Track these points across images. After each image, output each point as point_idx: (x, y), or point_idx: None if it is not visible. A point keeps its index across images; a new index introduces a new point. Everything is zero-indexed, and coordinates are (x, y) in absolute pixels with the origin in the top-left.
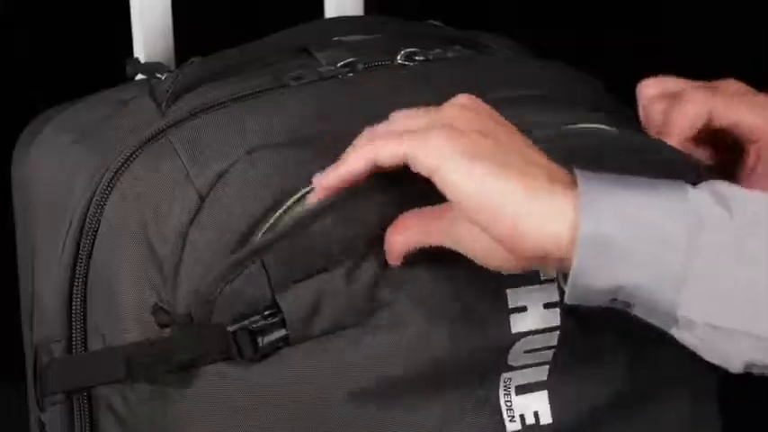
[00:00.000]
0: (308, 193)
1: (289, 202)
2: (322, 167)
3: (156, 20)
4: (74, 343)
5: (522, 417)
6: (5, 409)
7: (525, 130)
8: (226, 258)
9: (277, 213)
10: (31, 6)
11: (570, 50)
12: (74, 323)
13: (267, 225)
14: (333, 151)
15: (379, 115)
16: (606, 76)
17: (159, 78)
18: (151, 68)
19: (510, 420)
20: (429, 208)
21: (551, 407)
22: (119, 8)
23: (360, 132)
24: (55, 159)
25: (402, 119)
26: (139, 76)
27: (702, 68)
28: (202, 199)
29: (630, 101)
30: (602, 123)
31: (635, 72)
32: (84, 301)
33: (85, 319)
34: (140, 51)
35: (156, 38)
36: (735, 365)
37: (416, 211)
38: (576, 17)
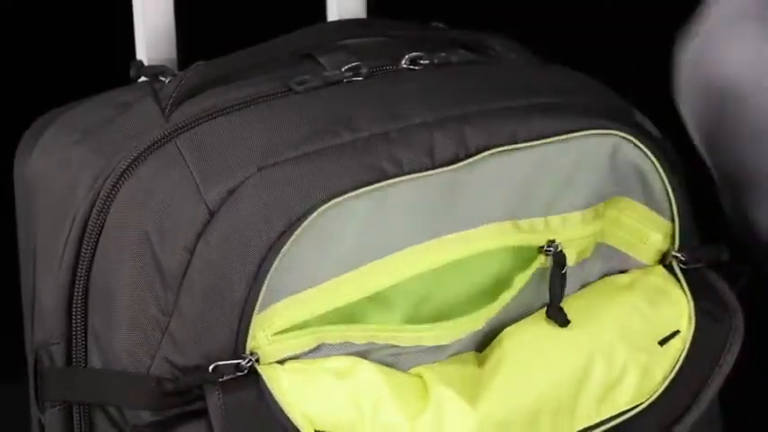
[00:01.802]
0: (319, 217)
1: (300, 229)
2: (331, 184)
3: (159, 22)
4: (74, 346)
5: None
6: (5, 409)
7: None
8: (240, 282)
9: (290, 240)
10: (34, 8)
11: (571, 51)
12: (74, 326)
13: (281, 254)
14: (341, 165)
15: (386, 123)
16: (607, 76)
17: (163, 81)
18: (155, 71)
19: None
20: None
21: None
22: (121, 10)
23: (369, 141)
24: (57, 160)
25: None
26: (142, 79)
27: None
28: (212, 214)
29: (635, 102)
30: (618, 132)
31: (636, 73)
32: (85, 304)
33: (86, 322)
34: (143, 54)
35: (158, 40)
36: None
37: None
38: (577, 18)
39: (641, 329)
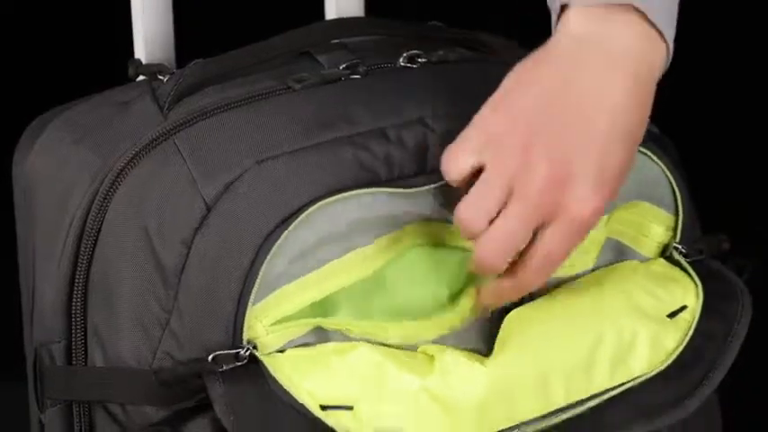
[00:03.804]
0: (314, 211)
1: (296, 222)
2: (328, 179)
3: (157, 21)
4: (73, 345)
5: None
6: (5, 409)
7: None
8: (236, 273)
9: (285, 233)
10: (33, 7)
11: None
12: (74, 325)
13: (277, 245)
14: (338, 160)
15: (383, 119)
16: None
17: (161, 80)
18: (153, 70)
19: None
20: None
21: None
22: (120, 9)
23: (367, 137)
24: (56, 160)
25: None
26: (141, 78)
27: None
28: (209, 209)
29: None
30: None
31: None
32: (85, 302)
33: (86, 320)
34: (141, 52)
35: (156, 39)
36: None
37: None
38: None
39: (649, 303)
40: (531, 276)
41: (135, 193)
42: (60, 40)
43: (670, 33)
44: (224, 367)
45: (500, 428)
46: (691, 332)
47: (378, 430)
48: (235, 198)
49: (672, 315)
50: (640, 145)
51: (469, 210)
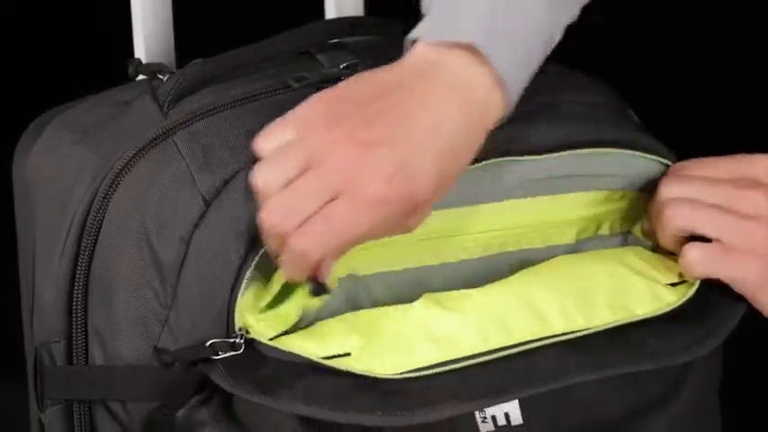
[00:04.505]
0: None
1: None
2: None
3: (157, 21)
4: (74, 344)
5: (493, 417)
6: (5, 409)
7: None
8: (229, 266)
9: None
10: (33, 7)
11: (568, 50)
12: (74, 324)
13: None
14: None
15: None
16: (605, 77)
17: (161, 79)
18: (153, 69)
19: (482, 421)
20: None
21: (521, 409)
22: (120, 9)
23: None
24: (56, 159)
25: None
26: (140, 77)
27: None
28: (207, 204)
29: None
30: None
31: (634, 74)
32: (85, 302)
33: (86, 320)
34: (141, 52)
35: (156, 39)
36: None
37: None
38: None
39: (648, 270)
40: (305, 239)
41: (135, 191)
42: (60, 40)
43: (515, 81)
44: (220, 354)
45: (499, 346)
46: (692, 292)
47: (376, 365)
48: (233, 194)
49: (671, 285)
50: (644, 147)
51: (262, 171)
